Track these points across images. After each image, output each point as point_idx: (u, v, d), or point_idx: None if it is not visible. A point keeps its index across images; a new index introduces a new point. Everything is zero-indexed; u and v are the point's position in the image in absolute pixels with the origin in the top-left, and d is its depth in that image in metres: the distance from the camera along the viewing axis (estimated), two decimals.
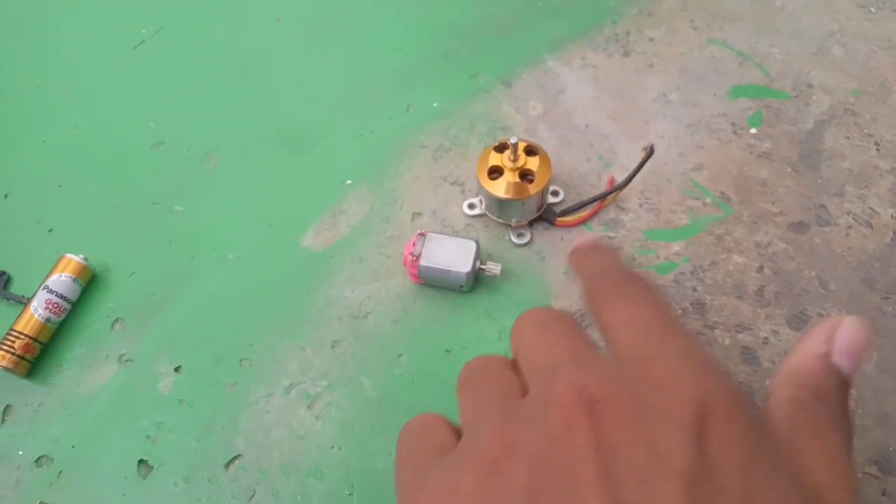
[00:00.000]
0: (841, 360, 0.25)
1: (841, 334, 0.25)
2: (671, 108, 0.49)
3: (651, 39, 0.52)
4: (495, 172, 0.43)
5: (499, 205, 0.43)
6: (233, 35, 0.55)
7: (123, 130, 0.51)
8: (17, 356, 0.41)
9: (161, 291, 0.44)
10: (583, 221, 0.44)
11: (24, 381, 0.42)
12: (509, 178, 0.42)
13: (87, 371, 0.42)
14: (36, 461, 0.40)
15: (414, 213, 0.46)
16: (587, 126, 0.48)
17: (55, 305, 0.42)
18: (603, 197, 0.44)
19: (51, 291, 0.42)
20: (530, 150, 0.42)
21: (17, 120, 0.52)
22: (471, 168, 0.47)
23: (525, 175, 0.42)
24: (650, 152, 0.43)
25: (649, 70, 0.50)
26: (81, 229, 0.47)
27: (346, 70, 0.52)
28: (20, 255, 0.46)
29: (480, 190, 0.43)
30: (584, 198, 0.44)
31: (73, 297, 0.43)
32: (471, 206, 0.45)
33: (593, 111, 0.49)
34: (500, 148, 0.43)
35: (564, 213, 0.44)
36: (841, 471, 0.22)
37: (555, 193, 0.45)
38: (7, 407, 0.41)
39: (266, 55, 0.53)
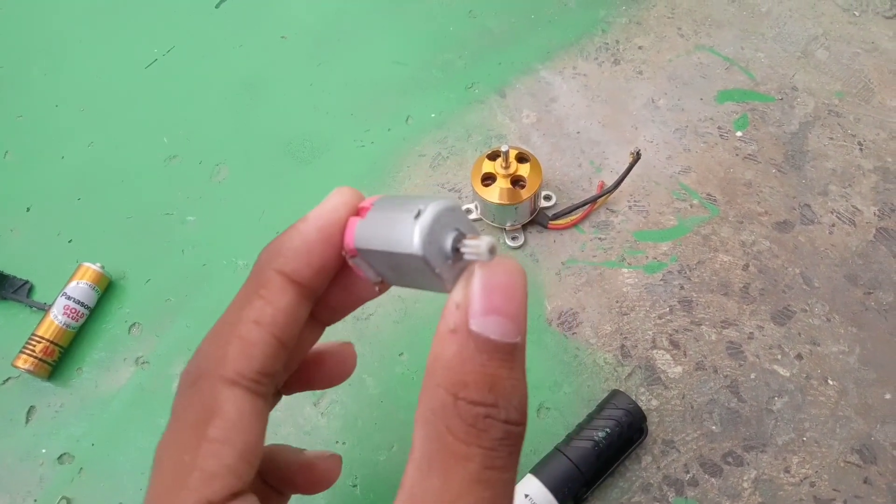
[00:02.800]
0: (480, 323, 0.18)
1: (473, 291, 0.19)
2: (659, 114, 0.50)
3: (640, 47, 0.54)
4: (489, 179, 0.45)
5: (493, 210, 0.45)
6: (240, 53, 0.57)
7: (138, 145, 0.53)
8: (38, 359, 0.43)
9: (175, 297, 0.47)
10: (574, 224, 0.46)
11: (47, 384, 0.44)
12: (502, 184, 0.44)
13: (106, 373, 0.44)
14: (58, 459, 0.42)
15: None
16: (578, 133, 0.50)
17: (74, 311, 0.45)
18: (593, 200, 0.46)
19: (69, 298, 0.45)
20: (522, 158, 0.44)
21: (37, 137, 0.54)
22: (467, 175, 0.49)
23: (517, 181, 0.44)
24: (637, 157, 0.45)
25: (638, 77, 0.52)
26: (99, 239, 0.49)
27: (348, 84, 0.54)
28: (41, 265, 0.49)
29: (475, 196, 0.45)
30: (576, 202, 0.46)
31: (91, 304, 0.46)
32: (467, 212, 0.47)
33: (584, 118, 0.51)
34: (493, 156, 0.45)
35: (556, 216, 0.46)
36: None
37: (547, 198, 0.47)
38: (31, 408, 0.44)
39: (272, 71, 0.56)
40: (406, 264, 0.20)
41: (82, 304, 0.45)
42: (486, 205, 0.45)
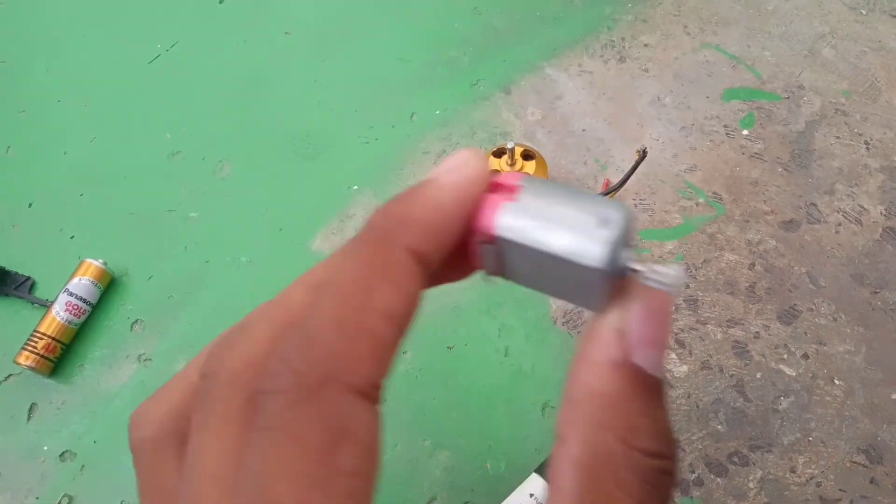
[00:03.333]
0: (645, 356, 0.16)
1: (641, 315, 0.17)
2: (665, 112, 0.50)
3: (646, 45, 0.53)
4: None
5: None
6: (243, 49, 0.57)
7: (140, 141, 0.53)
8: (40, 356, 0.43)
9: (178, 294, 0.46)
10: None
11: (49, 381, 0.44)
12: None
13: (108, 370, 0.44)
14: (60, 456, 0.42)
15: None
16: (584, 130, 0.50)
17: (75, 307, 0.44)
18: None
19: (71, 294, 0.44)
20: (527, 155, 0.44)
21: (40, 132, 0.54)
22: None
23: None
24: (643, 155, 0.44)
25: (644, 75, 0.52)
26: (101, 236, 0.49)
27: (352, 80, 0.54)
28: (44, 261, 0.48)
29: None
30: None
31: (93, 300, 0.45)
32: None
33: (590, 116, 0.51)
34: (499, 153, 0.44)
35: None
36: None
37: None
38: (32, 405, 0.44)
39: (275, 67, 0.56)
40: (562, 271, 0.17)
41: (84, 301, 0.45)
42: None
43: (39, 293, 0.47)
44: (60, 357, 0.44)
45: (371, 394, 0.15)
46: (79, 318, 0.45)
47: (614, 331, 0.16)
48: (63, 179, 0.52)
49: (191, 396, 0.18)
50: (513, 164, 0.44)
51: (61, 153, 0.53)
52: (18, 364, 0.43)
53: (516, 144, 0.43)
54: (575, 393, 0.16)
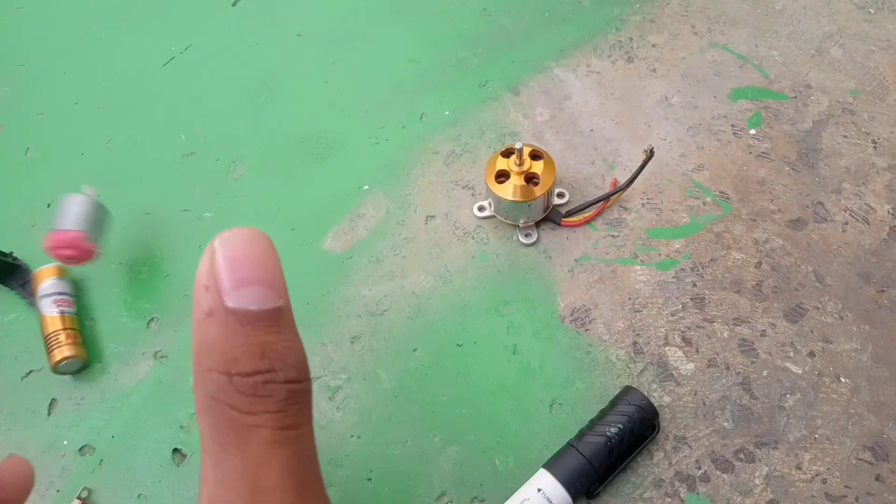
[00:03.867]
0: (233, 298, 0.18)
1: (206, 266, 0.18)
2: (673, 111, 0.51)
3: (654, 45, 0.54)
4: (502, 176, 0.45)
5: (507, 207, 0.45)
6: (256, 51, 0.58)
7: (156, 142, 0.54)
8: (71, 344, 0.44)
9: (192, 292, 0.47)
10: (587, 221, 0.47)
11: (67, 377, 0.45)
12: (516, 181, 0.44)
13: (126, 367, 0.45)
14: (79, 450, 0.43)
15: (427, 216, 0.48)
16: (592, 130, 0.50)
17: (61, 301, 0.46)
18: (606, 198, 0.46)
19: (48, 296, 0.46)
20: (535, 155, 0.45)
21: (58, 134, 0.55)
22: (481, 173, 0.49)
23: (531, 178, 0.45)
24: (650, 154, 0.45)
25: (652, 75, 0.52)
26: (118, 235, 0.50)
27: (363, 82, 0.55)
28: None
29: (489, 193, 0.46)
30: (589, 199, 0.47)
31: (70, 289, 0.47)
32: (480, 209, 0.48)
33: (598, 116, 0.51)
34: (507, 153, 0.45)
35: (570, 213, 0.47)
36: (263, 492, 0.18)
37: (560, 195, 0.48)
38: (52, 401, 0.45)
39: (288, 69, 0.56)
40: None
41: (63, 293, 0.46)
42: (499, 202, 0.45)
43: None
44: (85, 341, 0.46)
45: None
46: (71, 307, 0.46)
47: (202, 287, 0.18)
48: (80, 180, 0.53)
49: None
50: (521, 164, 0.44)
51: (78, 154, 0.54)
52: (58, 364, 0.44)
53: (524, 145, 0.44)
54: (192, 352, 0.19)
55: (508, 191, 0.44)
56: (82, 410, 0.44)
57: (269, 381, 0.18)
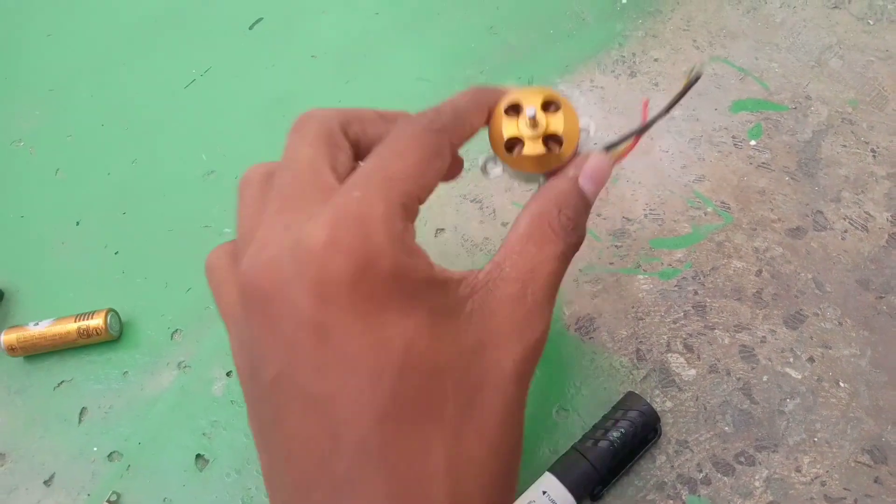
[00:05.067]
0: (585, 183, 0.31)
1: (588, 164, 0.31)
2: (675, 124, 0.52)
3: (656, 60, 0.55)
4: (514, 144, 0.33)
5: (526, 177, 0.35)
6: (272, 72, 0.60)
7: (178, 162, 0.57)
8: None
9: (214, 305, 0.49)
10: (622, 157, 0.35)
11: (98, 387, 0.47)
12: (533, 149, 0.32)
13: (151, 377, 0.48)
14: (108, 456, 0.45)
15: (437, 229, 0.50)
16: (595, 144, 0.52)
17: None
18: (642, 131, 0.34)
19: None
20: (549, 105, 0.33)
21: (86, 155, 0.58)
22: (489, 187, 0.51)
23: (551, 138, 0.32)
24: (695, 78, 0.33)
25: (654, 89, 0.54)
26: (143, 251, 0.53)
27: (375, 100, 0.57)
28: (89, 276, 0.52)
29: (503, 164, 0.34)
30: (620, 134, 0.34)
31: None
32: (485, 168, 0.34)
33: (602, 130, 0.53)
34: (513, 110, 0.33)
35: (610, 146, 0.34)
36: (539, 279, 0.28)
37: (583, 131, 0.34)
38: (83, 410, 0.47)
39: (303, 89, 0.59)
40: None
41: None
42: (516, 173, 0.34)
43: (82, 305, 0.50)
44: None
45: (455, 148, 0.30)
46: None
47: (574, 165, 0.32)
48: (107, 199, 0.56)
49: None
50: (535, 127, 0.32)
51: (105, 174, 0.57)
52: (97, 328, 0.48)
53: (538, 90, 0.33)
54: (542, 188, 0.31)
55: (529, 163, 0.32)
56: (111, 418, 0.46)
57: (574, 229, 0.30)
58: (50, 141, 0.59)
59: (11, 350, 0.47)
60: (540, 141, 0.32)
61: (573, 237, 0.30)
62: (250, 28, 0.63)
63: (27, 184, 0.57)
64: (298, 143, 0.29)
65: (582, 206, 0.30)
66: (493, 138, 0.33)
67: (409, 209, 0.25)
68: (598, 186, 0.31)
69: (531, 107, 0.31)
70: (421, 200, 0.27)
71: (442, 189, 0.52)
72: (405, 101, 0.56)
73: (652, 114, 0.34)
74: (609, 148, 0.35)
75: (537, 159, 0.32)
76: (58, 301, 0.51)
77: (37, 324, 0.48)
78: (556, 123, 0.32)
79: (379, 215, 0.23)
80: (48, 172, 0.57)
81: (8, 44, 0.66)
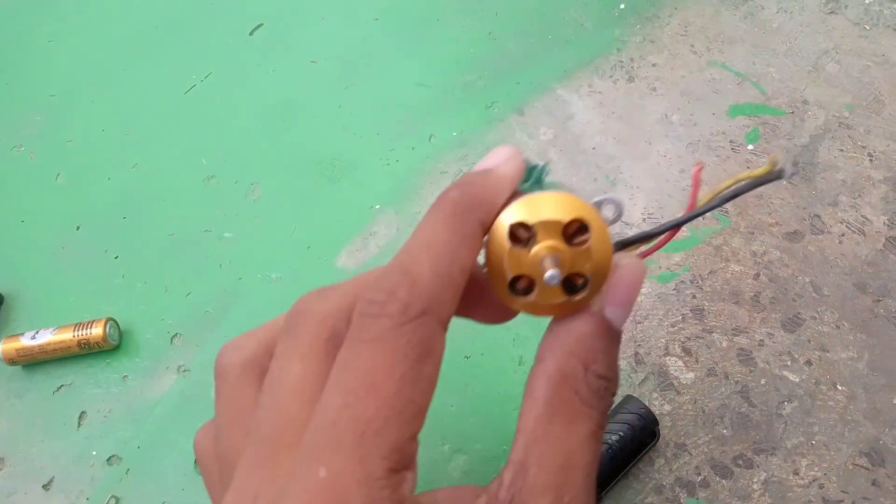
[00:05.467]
0: (614, 312, 0.23)
1: (617, 287, 0.22)
2: (673, 129, 0.52)
3: (654, 65, 0.55)
4: (522, 289, 0.24)
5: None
6: (273, 77, 0.60)
7: (178, 167, 0.57)
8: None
9: (214, 309, 0.50)
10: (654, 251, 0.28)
11: (97, 391, 0.48)
12: (548, 296, 0.23)
13: (151, 381, 0.48)
14: (107, 460, 0.45)
15: None
16: (594, 148, 0.52)
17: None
18: (686, 221, 0.26)
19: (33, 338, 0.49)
20: (576, 230, 0.23)
21: (86, 160, 0.58)
22: None
23: (574, 280, 0.23)
24: (778, 173, 0.24)
25: (652, 94, 0.54)
26: (143, 256, 0.53)
27: (374, 105, 0.57)
28: (89, 280, 0.52)
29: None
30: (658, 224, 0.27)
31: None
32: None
33: (600, 134, 0.53)
34: (523, 229, 0.23)
35: (623, 245, 0.26)
36: (575, 478, 0.21)
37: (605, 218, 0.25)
38: (82, 413, 0.47)
39: (303, 95, 0.59)
40: None
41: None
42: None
43: (82, 312, 0.51)
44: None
45: (446, 325, 0.22)
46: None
47: (600, 296, 0.23)
48: (107, 204, 0.56)
49: (278, 333, 0.24)
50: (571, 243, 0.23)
51: (106, 179, 0.57)
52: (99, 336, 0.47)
53: (558, 203, 0.23)
54: (557, 328, 0.23)
55: (539, 310, 0.24)
56: (110, 422, 0.47)
57: (609, 389, 0.23)
58: (50, 146, 0.59)
59: (11, 361, 0.48)
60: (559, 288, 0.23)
61: (607, 400, 0.22)
62: (250, 34, 0.63)
63: (27, 189, 0.58)
64: (288, 356, 0.23)
65: (613, 349, 0.23)
66: (492, 269, 0.24)
67: (401, 461, 0.20)
68: (630, 308, 0.23)
69: (552, 270, 0.22)
70: (415, 435, 0.20)
71: (441, 179, 0.52)
72: (404, 107, 0.57)
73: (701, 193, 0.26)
74: (640, 241, 0.27)
75: (552, 308, 0.24)
76: (58, 306, 0.52)
77: (34, 336, 0.48)
78: (581, 260, 0.23)
79: (356, 491, 0.19)
80: (49, 177, 0.58)
81: (9, 49, 0.66)
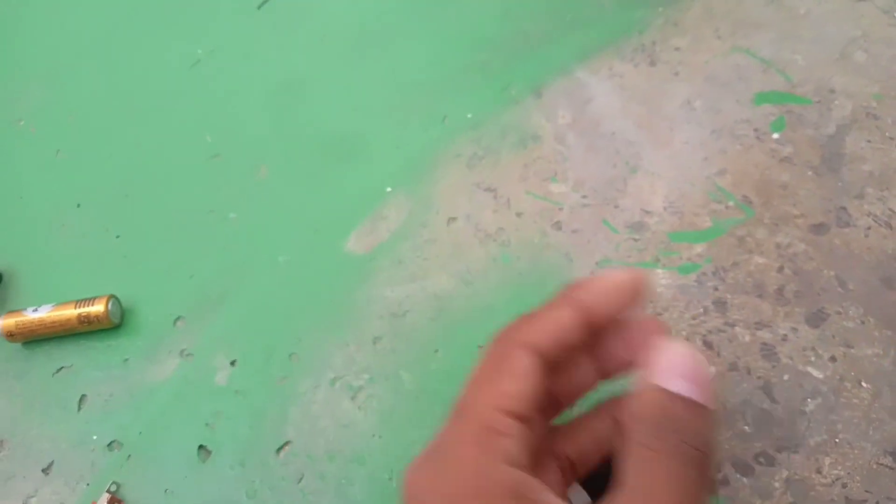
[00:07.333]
0: (706, 398, 0.26)
1: (668, 359, 0.27)
2: (695, 115, 0.51)
3: (677, 49, 0.54)
4: None
5: None
6: (281, 53, 0.59)
7: (182, 144, 0.55)
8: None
9: (218, 292, 0.48)
10: None
11: (98, 374, 0.46)
12: None
13: (152, 365, 0.46)
14: (108, 445, 0.44)
15: (449, 218, 0.49)
16: (613, 133, 0.51)
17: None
18: None
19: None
20: None
21: (87, 135, 0.57)
22: (503, 174, 0.50)
23: None
24: None
25: (675, 78, 0.52)
26: (145, 236, 0.51)
27: (386, 84, 0.56)
28: (90, 259, 0.51)
29: None
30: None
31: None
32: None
33: (620, 119, 0.51)
34: None
35: None
36: None
37: None
38: (82, 397, 0.46)
39: (311, 72, 0.57)
40: None
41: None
42: None
43: (83, 290, 0.49)
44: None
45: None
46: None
47: (687, 377, 0.27)
48: (109, 181, 0.54)
49: None
50: None
51: (107, 155, 0.55)
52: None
53: None
54: (652, 403, 0.27)
55: None
56: (111, 407, 0.45)
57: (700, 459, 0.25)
58: (51, 121, 0.58)
59: (10, 336, 0.46)
60: None
61: (701, 465, 0.26)
62: (259, 7, 0.61)
63: (27, 164, 0.56)
64: (458, 439, 0.29)
65: (701, 418, 0.27)
66: None
67: None
68: (704, 388, 0.27)
69: None
70: None
71: (455, 177, 0.51)
72: (417, 87, 0.55)
73: None
74: None
75: None
76: (57, 284, 0.50)
77: (36, 309, 0.46)
78: None
79: None
80: (49, 153, 0.56)
81: (10, 21, 0.64)
